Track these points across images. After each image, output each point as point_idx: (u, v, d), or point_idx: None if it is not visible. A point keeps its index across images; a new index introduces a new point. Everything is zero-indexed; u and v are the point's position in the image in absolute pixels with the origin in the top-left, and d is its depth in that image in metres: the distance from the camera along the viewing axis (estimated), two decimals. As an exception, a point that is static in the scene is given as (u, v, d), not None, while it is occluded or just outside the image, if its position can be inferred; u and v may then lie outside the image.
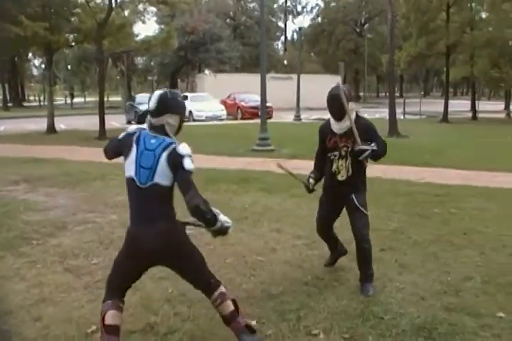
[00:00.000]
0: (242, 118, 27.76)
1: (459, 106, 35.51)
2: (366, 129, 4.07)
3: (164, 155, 2.94)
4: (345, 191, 4.25)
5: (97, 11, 19.26)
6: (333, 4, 60.70)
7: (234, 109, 28.72)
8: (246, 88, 29.67)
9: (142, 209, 3.06)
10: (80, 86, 62.40)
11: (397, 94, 39.87)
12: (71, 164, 10.94)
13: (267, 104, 14.75)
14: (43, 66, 38.39)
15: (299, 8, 71.24)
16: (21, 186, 8.42)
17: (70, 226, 5.97)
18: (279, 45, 72.25)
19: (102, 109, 18.15)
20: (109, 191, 7.88)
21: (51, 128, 19.38)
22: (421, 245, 5.21)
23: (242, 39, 54.84)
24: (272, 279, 4.30)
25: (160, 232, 3.01)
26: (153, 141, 2.99)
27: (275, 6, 65.69)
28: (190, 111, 26.99)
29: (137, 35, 29.64)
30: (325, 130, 4.31)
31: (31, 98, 60.17)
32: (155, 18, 51.15)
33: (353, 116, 4.07)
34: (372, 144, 3.98)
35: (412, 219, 6.25)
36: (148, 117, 3.09)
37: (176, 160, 2.92)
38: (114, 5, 18.32)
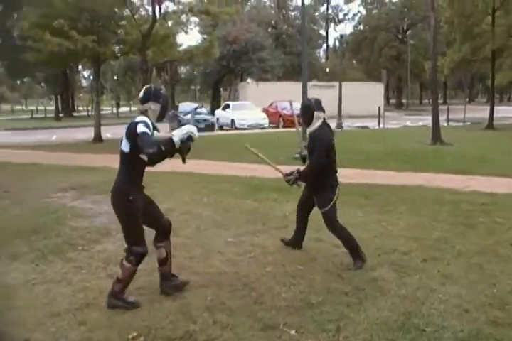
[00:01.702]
0: (284, 127, 27.78)
1: (506, 112, 34.48)
2: (314, 140, 4.90)
3: (127, 127, 3.91)
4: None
5: (141, 22, 19.74)
6: (375, 11, 60.25)
7: (276, 118, 28.77)
8: (288, 96, 29.61)
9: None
10: (125, 95, 63.87)
11: (441, 101, 39.16)
12: (110, 172, 11.18)
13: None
14: (91, 77, 39.51)
15: (341, 16, 71.13)
16: (69, 193, 8.71)
17: (114, 233, 6.09)
18: (320, 53, 72.19)
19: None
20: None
21: (98, 138, 19.86)
22: (465, 255, 5.09)
23: (284, 48, 54.97)
24: (311, 288, 4.28)
25: (111, 190, 4.06)
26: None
27: (316, 14, 65.68)
28: (233, 120, 27.21)
29: (180, 45, 30.16)
30: None
31: (80, 108, 62.04)
32: (198, 28, 51.96)
33: (317, 124, 4.91)
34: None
35: (456, 228, 6.12)
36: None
37: (131, 128, 3.84)
38: (157, 16, 18.74)
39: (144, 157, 3.91)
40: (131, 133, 3.82)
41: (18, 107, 76.90)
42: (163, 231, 4.31)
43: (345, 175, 10.22)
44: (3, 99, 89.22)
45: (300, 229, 5.36)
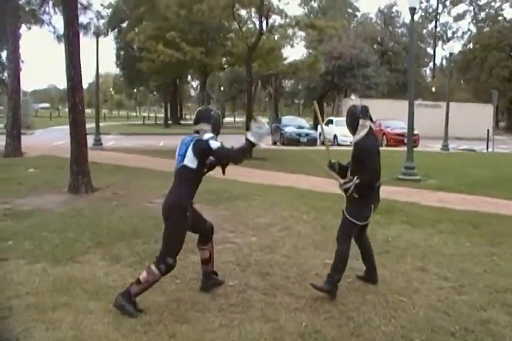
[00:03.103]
0: (387, 145, 27.01)
1: None
2: (359, 150, 4.52)
3: (191, 144, 4.15)
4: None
5: (248, 35, 20.09)
6: (486, 29, 57.29)
7: (379, 136, 28.02)
8: (392, 114, 28.89)
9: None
10: (230, 106, 65.51)
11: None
12: (215, 181, 11.26)
13: (414, 132, 14.14)
14: (199, 87, 40.95)
15: (449, 34, 68.52)
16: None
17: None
18: (427, 71, 69.84)
19: (248, 129, 18.67)
20: (251, 212, 7.98)
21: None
22: None
23: (389, 65, 53.80)
24: (413, 324, 3.94)
25: (165, 202, 4.25)
26: (188, 138, 4.24)
27: (424, 31, 63.72)
28: (335, 135, 26.84)
29: (285, 59, 30.38)
30: None
31: (187, 117, 64.52)
32: (303, 43, 52.24)
33: (363, 133, 4.53)
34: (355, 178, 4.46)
35: None
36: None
37: (201, 145, 4.11)
38: (264, 29, 18.99)
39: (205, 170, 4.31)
40: (201, 150, 4.11)
41: (133, 113, 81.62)
42: (207, 235, 4.62)
43: (450, 200, 9.81)
44: (122, 106, 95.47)
45: (365, 258, 4.94)
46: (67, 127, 10.19)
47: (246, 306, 4.23)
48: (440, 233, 6.90)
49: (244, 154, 4.17)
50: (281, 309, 4.18)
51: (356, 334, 3.74)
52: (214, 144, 4.08)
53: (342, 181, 4.66)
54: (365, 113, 4.60)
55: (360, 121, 4.56)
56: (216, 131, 4.34)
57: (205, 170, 4.32)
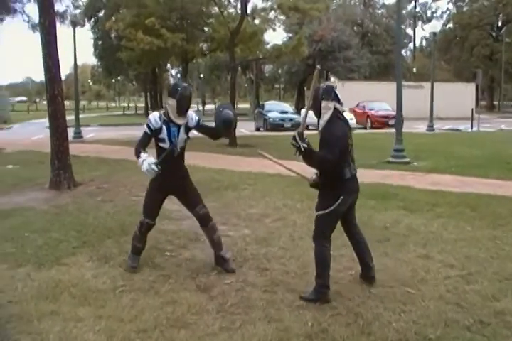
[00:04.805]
0: (371, 127, 26.88)
1: None
2: (325, 138, 4.01)
3: None
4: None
5: (229, 20, 19.66)
6: (466, 8, 57.14)
7: (363, 118, 27.88)
8: (374, 96, 28.69)
9: None
10: (210, 93, 64.88)
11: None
12: (203, 172, 10.99)
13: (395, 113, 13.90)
14: (179, 75, 40.37)
15: (429, 14, 68.20)
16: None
17: (203, 239, 5.73)
18: (407, 52, 69.61)
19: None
20: (242, 202, 7.70)
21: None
22: None
23: (370, 47, 53.40)
24: (426, 319, 3.71)
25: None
26: None
27: (403, 12, 63.30)
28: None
29: (268, 43, 29.95)
30: None
31: (168, 105, 63.76)
32: (283, 27, 51.63)
33: (326, 116, 4.03)
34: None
35: None
36: None
37: None
38: (246, 13, 18.55)
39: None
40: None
41: (112, 104, 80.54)
42: (199, 220, 5.05)
43: (444, 182, 9.60)
44: (101, 97, 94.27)
45: (357, 255, 4.48)
46: (45, 120, 9.80)
47: (246, 306, 3.96)
48: (439, 217, 6.70)
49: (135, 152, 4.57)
50: (283, 307, 3.92)
51: (367, 333, 3.50)
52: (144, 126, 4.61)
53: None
54: (328, 93, 4.04)
55: (323, 103, 4.01)
56: (182, 106, 4.45)
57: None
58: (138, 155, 4.51)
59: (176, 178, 4.70)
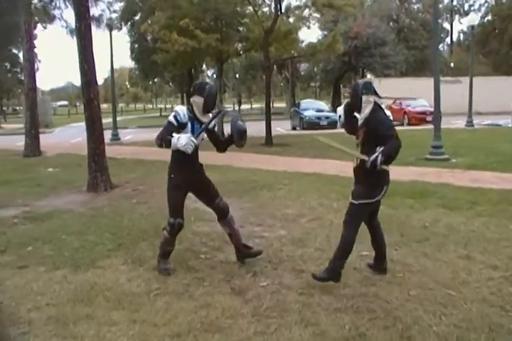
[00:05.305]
0: (408, 124, 26.37)
1: None
2: (376, 124, 4.07)
3: None
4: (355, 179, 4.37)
5: (263, 19, 19.58)
6: (504, 0, 55.44)
7: (400, 115, 27.37)
8: (412, 93, 28.13)
9: None
10: (246, 93, 64.95)
11: None
12: (238, 171, 11.00)
13: (433, 109, 13.56)
14: (214, 76, 40.58)
15: (466, 7, 66.43)
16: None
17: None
18: (444, 47, 68.04)
19: (268, 116, 18.25)
20: (278, 202, 7.62)
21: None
22: None
23: (406, 42, 52.39)
24: (468, 323, 3.55)
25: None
26: None
27: (440, 6, 61.88)
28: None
29: (302, 42, 29.72)
30: None
31: (204, 106, 64.33)
32: (317, 25, 51.23)
33: (368, 110, 4.12)
34: (378, 148, 3.96)
35: None
36: None
37: None
38: (280, 12, 18.43)
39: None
40: None
41: (149, 106, 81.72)
42: (218, 213, 5.04)
43: (484, 179, 9.28)
44: (138, 99, 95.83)
45: (375, 247, 4.58)
46: (84, 124, 9.94)
47: (282, 309, 3.88)
48: (480, 216, 6.46)
49: (161, 140, 4.42)
50: (320, 311, 3.83)
51: (406, 337, 3.38)
52: (169, 117, 4.55)
53: (364, 156, 4.10)
54: (368, 88, 4.19)
55: (364, 98, 4.15)
56: (209, 104, 4.50)
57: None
58: (167, 139, 4.38)
59: (193, 173, 4.75)
